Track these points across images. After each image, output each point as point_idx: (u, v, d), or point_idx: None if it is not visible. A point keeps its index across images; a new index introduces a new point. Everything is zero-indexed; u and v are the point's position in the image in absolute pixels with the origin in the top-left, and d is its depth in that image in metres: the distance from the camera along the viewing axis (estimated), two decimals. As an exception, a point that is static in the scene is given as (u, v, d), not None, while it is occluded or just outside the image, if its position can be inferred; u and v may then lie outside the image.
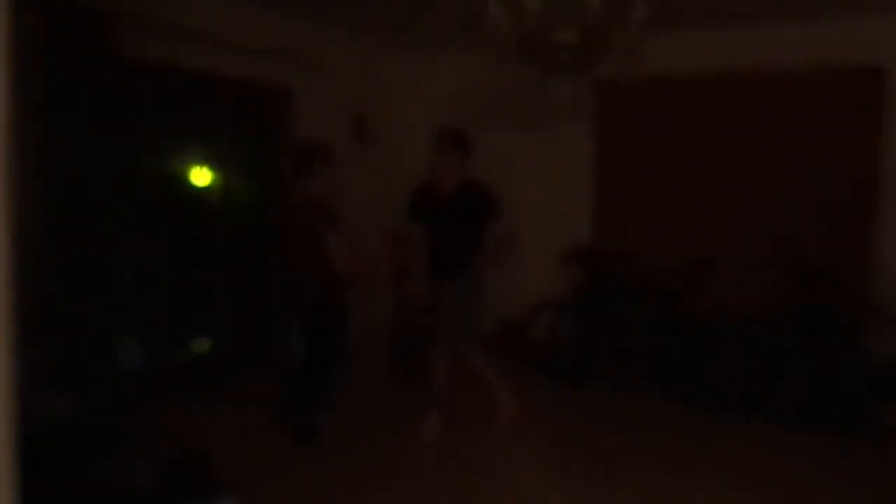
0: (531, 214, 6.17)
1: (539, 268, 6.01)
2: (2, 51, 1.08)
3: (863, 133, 5.07)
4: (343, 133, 6.00)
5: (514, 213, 6.19)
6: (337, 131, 5.80)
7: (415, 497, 3.47)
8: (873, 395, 4.53)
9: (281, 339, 4.10)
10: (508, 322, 6.04)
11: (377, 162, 6.38)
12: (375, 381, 5.63)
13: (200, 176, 5.28)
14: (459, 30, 5.17)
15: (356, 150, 6.14)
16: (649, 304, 5.37)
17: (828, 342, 4.65)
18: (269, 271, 5.42)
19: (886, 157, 5.04)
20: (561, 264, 5.81)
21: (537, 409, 4.91)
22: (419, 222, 4.28)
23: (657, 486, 3.59)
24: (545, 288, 5.80)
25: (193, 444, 3.64)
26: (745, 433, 4.40)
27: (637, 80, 3.01)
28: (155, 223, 4.94)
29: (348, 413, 4.58)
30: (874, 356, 4.64)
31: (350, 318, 4.15)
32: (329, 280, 3.94)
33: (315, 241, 3.89)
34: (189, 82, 5.03)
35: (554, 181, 6.16)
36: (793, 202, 5.30)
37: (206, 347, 5.46)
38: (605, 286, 5.56)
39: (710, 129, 5.58)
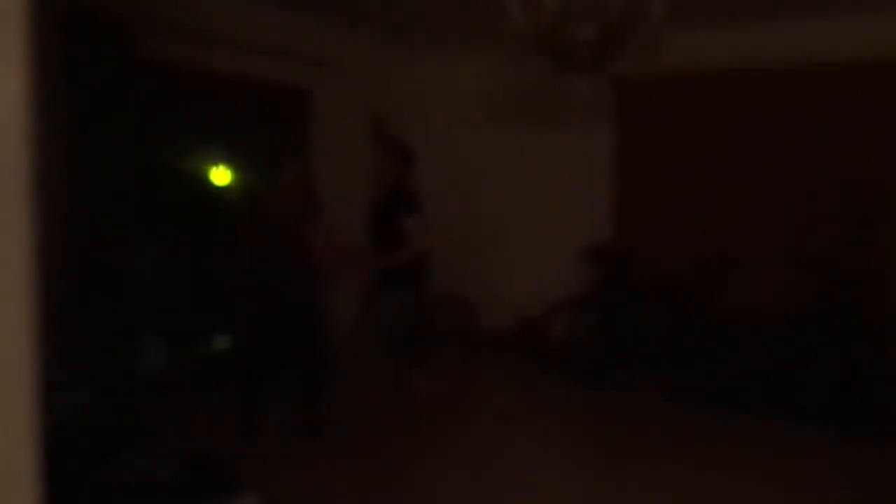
0: (549, 213, 6.15)
1: (558, 266, 5.99)
2: (24, 56, 1.09)
3: (887, 130, 5.00)
4: (362, 133, 6.02)
5: (528, 211, 6.25)
6: (355, 131, 5.82)
7: (431, 492, 3.48)
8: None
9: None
10: (527, 320, 6.03)
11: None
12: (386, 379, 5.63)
13: (220, 175, 5.33)
14: (477, 29, 5.16)
15: (375, 150, 6.14)
16: (668, 303, 5.33)
17: (850, 342, 4.59)
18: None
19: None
20: (580, 263, 5.78)
21: (555, 407, 4.90)
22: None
23: (674, 485, 3.57)
24: (564, 287, 5.78)
25: (213, 441, 3.67)
26: (766, 434, 4.36)
27: (656, 76, 2.98)
28: (175, 222, 4.98)
29: (361, 408, 4.59)
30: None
31: (324, 315, 4.18)
32: (303, 274, 3.99)
33: (293, 232, 3.95)
34: (209, 84, 5.07)
35: (572, 179, 6.13)
36: (814, 200, 5.23)
37: (225, 345, 5.49)
38: (624, 285, 5.53)
39: (730, 126, 5.52)
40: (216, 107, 5.28)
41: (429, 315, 6.35)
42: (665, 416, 4.70)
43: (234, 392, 4.14)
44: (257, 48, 5.11)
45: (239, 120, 5.47)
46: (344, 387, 4.56)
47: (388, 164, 4.25)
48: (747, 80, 5.40)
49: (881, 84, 4.96)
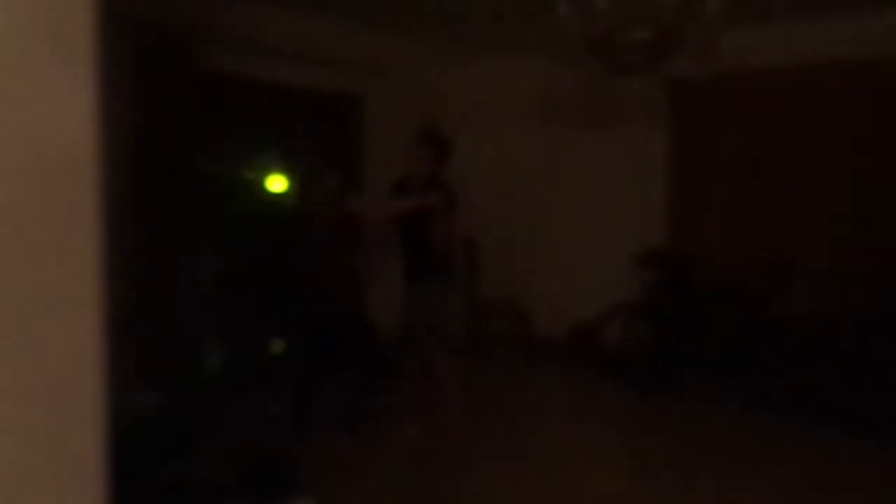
0: (602, 216, 6.08)
1: (611, 270, 5.91)
2: (94, 68, 1.14)
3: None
4: (449, 138, 6.07)
5: (580, 215, 6.19)
6: (406, 136, 5.86)
7: (483, 496, 3.47)
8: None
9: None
10: (580, 326, 5.96)
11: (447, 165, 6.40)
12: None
13: (276, 183, 5.44)
14: (528, 32, 5.15)
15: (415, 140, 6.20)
16: (729, 308, 5.18)
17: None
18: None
19: None
20: (633, 267, 5.69)
21: (610, 415, 4.83)
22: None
23: (732, 498, 3.48)
24: (618, 291, 5.70)
25: (273, 442, 3.74)
26: (832, 446, 4.19)
27: (711, 75, 2.92)
28: (234, 228, 5.11)
29: (412, 407, 4.60)
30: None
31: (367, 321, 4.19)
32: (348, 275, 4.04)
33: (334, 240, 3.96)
34: (265, 93, 5.19)
35: (625, 182, 6.05)
36: (881, 201, 5.03)
37: (281, 349, 5.60)
38: (681, 290, 5.42)
39: (790, 125, 5.36)
40: (272, 115, 5.41)
41: (479, 320, 6.37)
42: (726, 426, 4.58)
43: (291, 394, 4.21)
44: (312, 57, 5.21)
45: (293, 127, 5.59)
46: (395, 385, 4.56)
47: (425, 152, 4.14)
48: (807, 77, 5.24)
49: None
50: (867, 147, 5.07)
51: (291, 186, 5.52)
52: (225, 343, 4.90)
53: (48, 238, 1.12)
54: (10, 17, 1.01)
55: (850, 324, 4.67)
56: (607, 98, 5.50)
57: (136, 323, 3.43)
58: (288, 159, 5.50)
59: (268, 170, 5.40)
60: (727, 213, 5.63)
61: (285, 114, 5.51)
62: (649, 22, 2.84)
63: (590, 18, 2.81)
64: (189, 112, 4.07)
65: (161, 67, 3.82)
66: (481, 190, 6.45)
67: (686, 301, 5.38)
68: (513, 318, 6.33)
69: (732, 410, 4.80)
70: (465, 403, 4.30)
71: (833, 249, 5.17)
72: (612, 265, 5.89)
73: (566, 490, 3.60)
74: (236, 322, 5.14)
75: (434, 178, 4.11)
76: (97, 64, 1.14)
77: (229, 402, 4.32)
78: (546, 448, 4.17)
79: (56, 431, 1.14)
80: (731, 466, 3.86)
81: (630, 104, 5.68)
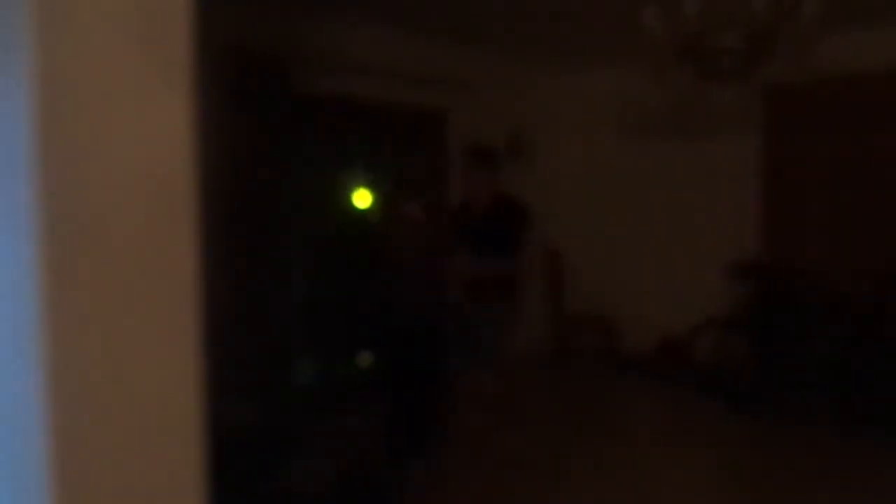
0: (692, 227, 5.90)
1: (701, 283, 5.71)
2: (190, 93, 1.19)
3: None
4: (499, 150, 6.07)
5: (669, 226, 6.02)
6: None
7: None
8: None
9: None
10: (670, 340, 5.78)
11: (533, 178, 6.38)
12: (529, 399, 5.58)
13: (362, 198, 5.55)
14: (612, 43, 5.07)
15: (511, 167, 6.18)
16: (833, 323, 4.88)
17: None
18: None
19: None
20: (725, 279, 5.48)
21: (703, 433, 4.65)
22: (462, 242, 4.15)
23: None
24: (708, 305, 5.49)
25: (362, 455, 3.79)
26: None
27: (808, 80, 2.80)
28: (323, 245, 5.25)
29: (505, 426, 4.57)
30: None
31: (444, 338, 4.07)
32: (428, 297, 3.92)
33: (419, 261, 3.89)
34: (352, 110, 5.32)
35: (715, 192, 5.84)
36: None
37: (369, 362, 5.68)
38: (780, 303, 5.16)
39: (893, 129, 5.04)
40: (358, 131, 5.54)
41: (567, 334, 6.28)
42: (827, 448, 4.32)
43: (383, 410, 4.21)
44: (397, 74, 5.31)
45: (380, 143, 5.70)
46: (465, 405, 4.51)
47: (480, 176, 4.06)
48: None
49: None
50: None
51: (377, 202, 5.62)
52: (316, 357, 5.02)
53: (149, 258, 1.17)
54: (108, 43, 1.07)
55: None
56: (696, 106, 5.34)
57: (231, 337, 3.56)
58: (374, 175, 5.61)
59: (355, 186, 5.52)
60: (827, 221, 5.34)
61: (372, 130, 5.63)
62: (740, 27, 2.74)
63: (677, 25, 2.74)
64: (284, 134, 4.21)
65: (257, 91, 3.97)
66: (569, 202, 6.38)
67: (785, 314, 5.12)
68: (601, 332, 6.20)
69: (835, 432, 4.52)
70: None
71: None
72: (702, 277, 5.69)
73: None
74: (327, 336, 5.26)
75: (498, 200, 4.05)
76: (194, 89, 1.19)
77: (322, 415, 4.41)
78: (635, 468, 4.05)
79: (156, 443, 1.19)
80: (832, 491, 3.64)
81: (719, 111, 5.50)
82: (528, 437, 4.55)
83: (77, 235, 1.04)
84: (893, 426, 4.37)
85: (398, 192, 5.70)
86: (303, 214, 4.86)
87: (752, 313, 5.22)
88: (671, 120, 5.78)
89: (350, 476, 2.75)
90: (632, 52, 3.45)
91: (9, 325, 1.07)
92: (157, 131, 1.15)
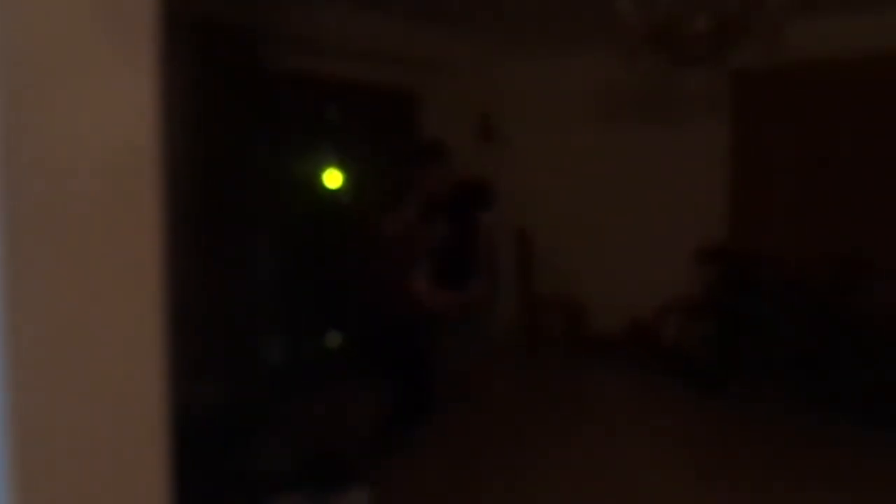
0: (659, 211, 5.96)
1: (669, 267, 5.79)
2: (155, 67, 1.17)
3: None
4: (469, 133, 6.07)
5: (637, 210, 6.08)
6: (463, 131, 5.87)
7: (536, 494, 3.45)
8: None
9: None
10: (638, 323, 5.86)
11: (503, 161, 6.39)
12: (496, 382, 5.63)
13: (332, 178, 5.51)
14: (586, 26, 5.07)
15: (482, 150, 6.18)
16: (795, 307, 5.00)
17: None
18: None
19: None
20: (692, 263, 5.56)
21: (667, 415, 4.73)
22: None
23: (792, 501, 3.37)
24: (676, 288, 5.58)
25: (328, 436, 3.79)
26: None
27: (776, 66, 2.83)
28: (291, 224, 5.20)
29: (475, 408, 4.61)
30: None
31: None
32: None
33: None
34: (321, 89, 5.26)
35: (683, 177, 5.90)
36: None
37: (337, 342, 5.67)
38: (743, 287, 5.26)
39: (860, 117, 5.13)
40: (329, 110, 5.48)
41: (533, 316, 6.33)
42: (789, 429, 4.43)
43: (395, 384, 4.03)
44: (368, 54, 5.25)
45: (350, 123, 5.65)
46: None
47: (434, 172, 3.91)
48: (876, 67, 5.01)
49: None
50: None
51: (347, 182, 5.58)
52: (284, 336, 4.99)
53: (111, 235, 1.15)
54: (67, 16, 1.04)
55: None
56: (666, 91, 5.38)
57: (197, 316, 3.52)
58: (345, 155, 5.56)
59: (325, 166, 5.47)
60: (793, 207, 5.44)
61: (343, 109, 5.58)
62: (711, 11, 2.76)
63: (649, 10, 2.75)
64: (252, 110, 4.15)
65: (224, 66, 3.90)
66: (539, 186, 6.40)
67: (749, 298, 5.22)
68: (568, 314, 6.26)
69: (797, 413, 4.64)
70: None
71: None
72: (670, 261, 5.77)
73: (619, 492, 3.55)
74: (296, 316, 5.23)
75: (461, 187, 4.00)
76: (158, 62, 1.17)
77: (291, 394, 4.39)
78: (600, 448, 4.12)
79: (120, 423, 1.17)
80: (793, 470, 3.74)
81: (689, 97, 5.55)
82: (495, 420, 4.60)
83: (35, 214, 1.02)
84: (853, 407, 4.50)
85: (368, 174, 5.68)
86: (271, 193, 4.80)
87: (717, 297, 5.32)
88: (642, 105, 5.81)
89: (319, 455, 2.75)
90: (604, 37, 3.46)
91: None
92: (120, 106, 1.12)
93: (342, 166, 5.54)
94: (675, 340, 5.46)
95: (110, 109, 1.10)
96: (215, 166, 3.84)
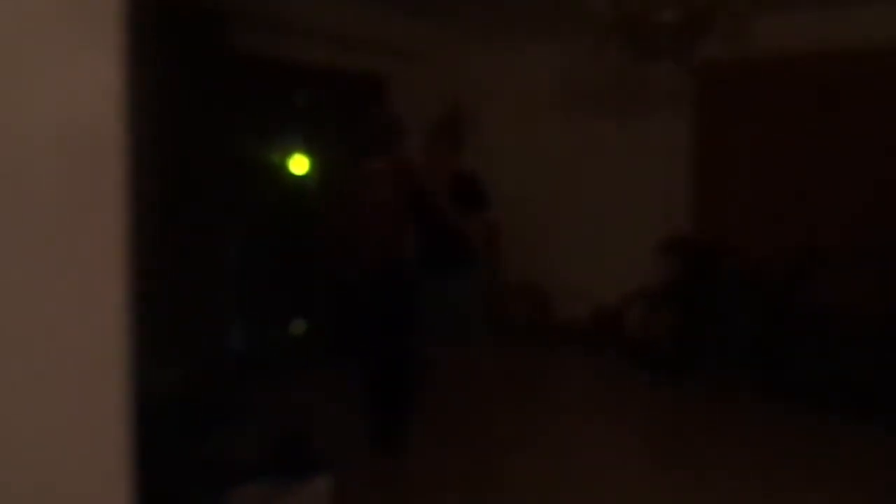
0: (625, 202, 6.03)
1: (633, 257, 5.87)
2: (120, 47, 1.14)
3: None
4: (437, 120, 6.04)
5: (603, 201, 6.14)
6: (431, 118, 5.84)
7: (500, 479, 3.48)
8: None
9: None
10: (602, 312, 5.94)
11: (469, 148, 6.38)
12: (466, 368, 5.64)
13: (298, 164, 5.45)
14: (555, 18, 5.08)
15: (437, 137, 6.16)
16: (753, 296, 5.12)
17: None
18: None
19: None
20: (656, 254, 5.65)
21: (630, 402, 4.81)
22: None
23: (749, 486, 3.45)
24: (640, 278, 5.66)
25: (294, 422, 3.77)
26: (852, 437, 4.15)
27: (739, 61, 2.87)
28: (257, 209, 5.14)
29: (443, 394, 4.62)
30: None
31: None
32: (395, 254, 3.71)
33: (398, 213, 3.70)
34: (288, 73, 5.19)
35: (649, 169, 5.98)
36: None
37: (302, 329, 5.64)
38: (704, 277, 5.36)
39: (820, 111, 5.25)
40: (295, 95, 5.42)
41: (500, 305, 6.36)
42: (746, 415, 4.55)
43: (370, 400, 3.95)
44: (336, 38, 5.20)
45: (317, 109, 5.59)
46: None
47: (442, 149, 4.00)
48: (838, 63, 5.13)
49: None
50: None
51: (314, 168, 5.53)
52: (249, 323, 4.95)
53: (74, 218, 1.13)
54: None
55: (878, 315, 4.60)
56: (632, 84, 5.43)
57: (161, 302, 3.47)
58: (312, 141, 5.51)
59: (291, 150, 5.41)
60: (754, 200, 5.55)
61: (310, 94, 5.52)
62: (678, 4, 2.79)
63: (618, 2, 2.77)
64: (218, 92, 4.07)
65: (191, 48, 3.82)
66: (504, 174, 6.41)
67: (710, 288, 5.32)
68: (534, 303, 6.31)
69: (754, 399, 4.76)
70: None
71: (861, 238, 5.08)
72: (634, 251, 5.84)
73: (582, 477, 3.60)
74: (260, 302, 5.18)
75: (459, 174, 4.01)
76: (124, 42, 1.14)
77: (254, 381, 4.36)
78: (563, 435, 4.17)
79: (81, 409, 1.15)
80: (753, 455, 3.84)
81: (655, 90, 5.61)
82: (459, 406, 4.61)
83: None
84: (809, 393, 4.63)
85: (336, 159, 5.63)
86: (236, 177, 4.74)
87: (679, 287, 5.41)
88: (608, 96, 5.86)
89: (282, 443, 2.74)
90: (573, 27, 3.47)
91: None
92: (84, 87, 1.09)
93: (309, 152, 5.49)
94: (639, 329, 5.54)
95: (76, 89, 1.07)
96: (180, 150, 3.77)
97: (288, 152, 5.39)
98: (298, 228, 5.56)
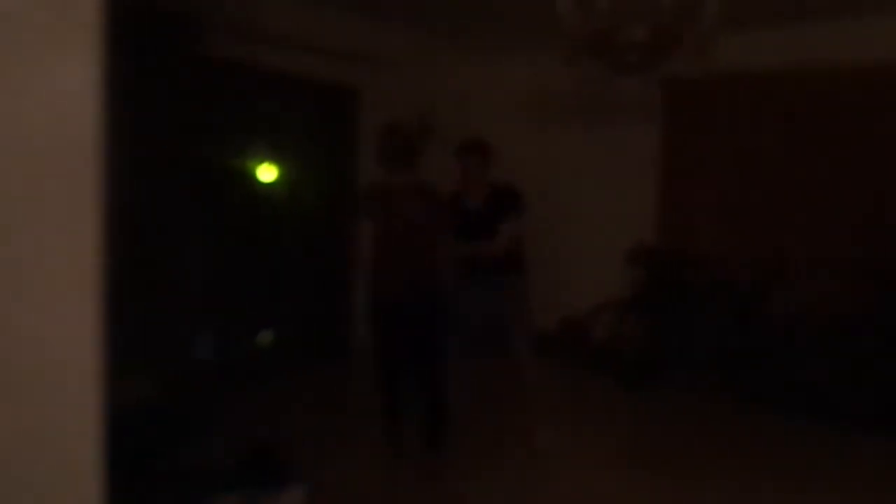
0: (594, 213, 6.10)
1: (602, 266, 5.94)
2: (97, 50, 1.13)
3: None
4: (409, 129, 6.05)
5: (572, 211, 6.20)
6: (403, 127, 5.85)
7: (471, 487, 3.49)
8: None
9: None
10: (570, 321, 5.99)
11: (440, 158, 6.40)
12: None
13: (267, 172, 5.42)
14: (528, 30, 5.15)
15: (423, 147, 6.18)
16: (719, 305, 5.22)
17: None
18: (340, 263, 5.53)
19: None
20: (624, 264, 5.72)
21: (598, 410, 4.86)
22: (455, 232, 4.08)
23: (720, 491, 3.51)
24: (608, 288, 5.72)
25: (265, 432, 3.74)
26: (817, 440, 4.26)
27: (704, 76, 2.95)
28: (227, 218, 5.10)
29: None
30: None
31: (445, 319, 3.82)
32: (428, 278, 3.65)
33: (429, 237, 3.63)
34: (259, 80, 5.17)
35: (617, 180, 6.07)
36: (869, 203, 5.08)
37: (271, 339, 5.60)
38: (671, 287, 5.45)
39: (782, 127, 5.40)
40: (266, 103, 5.39)
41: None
42: (713, 421, 4.63)
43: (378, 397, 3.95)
44: (309, 46, 5.19)
45: (288, 116, 5.57)
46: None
47: (472, 163, 4.15)
48: (801, 80, 5.28)
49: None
50: (857, 149, 5.11)
51: (284, 175, 5.50)
52: (217, 333, 4.89)
53: (47, 225, 1.12)
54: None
55: (839, 322, 4.72)
56: (602, 97, 5.51)
57: (129, 311, 3.41)
58: (281, 149, 5.48)
59: (261, 158, 5.38)
60: (719, 211, 5.67)
61: (280, 102, 5.50)
62: (648, 21, 2.84)
63: (590, 17, 2.82)
64: (183, 97, 4.03)
65: (160, 54, 3.78)
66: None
67: (677, 297, 5.42)
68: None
69: (721, 407, 4.84)
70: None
71: (824, 247, 5.22)
72: (603, 261, 5.91)
73: (553, 485, 3.63)
74: (229, 312, 5.13)
75: (494, 187, 4.19)
76: (100, 45, 1.13)
77: (224, 391, 4.31)
78: (531, 440, 4.19)
79: (53, 419, 1.14)
80: (718, 462, 3.90)
81: (624, 103, 5.70)
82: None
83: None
84: (773, 400, 4.73)
85: (305, 167, 5.61)
86: (205, 185, 4.69)
87: (646, 296, 5.49)
88: (577, 108, 5.94)
89: (253, 454, 2.71)
90: (544, 39, 3.52)
91: None
92: (59, 93, 1.09)
93: (278, 160, 5.46)
94: (606, 338, 5.60)
95: (51, 95, 1.06)
96: (148, 157, 3.72)
97: (257, 160, 5.36)
98: (267, 236, 5.53)
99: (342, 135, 5.85)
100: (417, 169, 3.76)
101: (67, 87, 1.09)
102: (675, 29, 2.89)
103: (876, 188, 5.06)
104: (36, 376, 1.11)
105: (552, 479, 3.70)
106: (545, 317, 6.15)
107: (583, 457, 4.08)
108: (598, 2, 2.74)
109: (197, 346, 4.31)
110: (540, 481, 3.66)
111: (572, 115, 6.06)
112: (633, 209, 5.99)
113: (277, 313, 5.63)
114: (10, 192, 1.03)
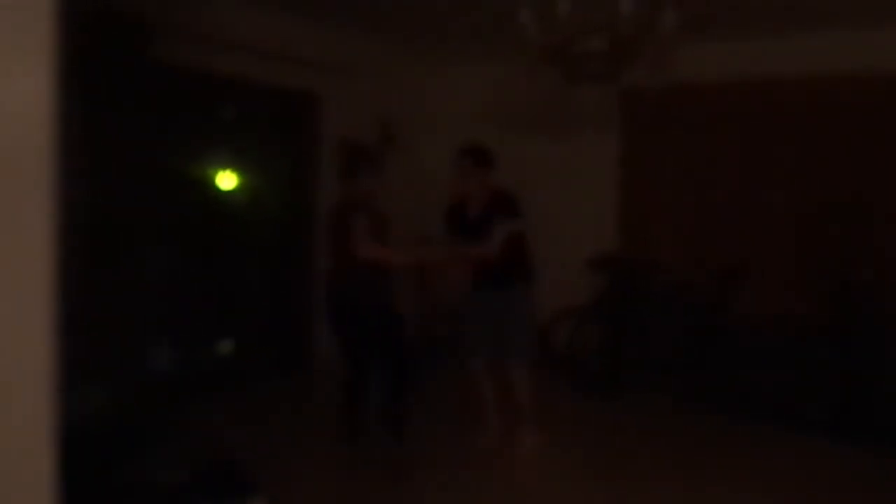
0: (555, 221, 6.16)
1: (563, 274, 5.98)
2: (52, 57, 1.12)
3: (893, 142, 5.02)
4: (370, 138, 6.05)
5: (538, 220, 6.24)
6: (364, 136, 5.84)
7: (438, 498, 3.49)
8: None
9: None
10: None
11: (404, 167, 6.42)
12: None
13: (227, 179, 5.35)
14: (489, 39, 5.19)
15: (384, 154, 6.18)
16: (679, 313, 5.31)
17: (864, 356, 4.57)
18: (300, 273, 5.50)
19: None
20: (585, 272, 5.78)
21: (560, 416, 4.89)
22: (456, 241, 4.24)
23: (682, 497, 3.56)
24: (570, 295, 5.77)
25: (223, 444, 3.68)
26: (777, 445, 4.34)
27: (662, 87, 3.01)
28: (184, 226, 5.01)
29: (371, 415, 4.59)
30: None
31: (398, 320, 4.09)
32: (370, 279, 3.87)
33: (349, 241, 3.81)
34: (218, 87, 5.11)
35: (578, 188, 6.14)
36: (822, 211, 5.24)
37: (230, 349, 5.52)
38: (632, 294, 5.53)
39: (738, 137, 5.54)
40: (226, 110, 5.33)
41: (429, 322, 6.38)
42: (672, 426, 4.69)
43: (339, 397, 4.12)
44: (269, 53, 5.14)
45: (249, 124, 5.52)
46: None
47: (468, 169, 4.13)
48: (755, 91, 5.43)
49: (889, 97, 4.98)
50: (811, 158, 5.27)
51: (244, 183, 5.44)
52: (173, 343, 4.80)
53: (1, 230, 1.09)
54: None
55: (795, 328, 4.85)
56: (562, 106, 5.58)
57: (83, 320, 3.33)
58: (240, 156, 5.42)
59: (221, 166, 5.31)
60: (678, 219, 5.78)
61: (240, 109, 5.44)
62: (607, 32, 2.90)
63: (550, 27, 2.85)
64: (139, 104, 3.97)
65: (112, 56, 3.71)
66: (437, 190, 6.45)
67: (636, 304, 5.50)
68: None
69: (681, 413, 4.91)
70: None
71: (780, 256, 5.36)
72: (564, 269, 5.96)
73: (511, 491, 3.64)
74: (187, 321, 5.04)
75: (492, 194, 4.13)
76: (55, 52, 1.11)
77: (181, 402, 4.23)
78: (492, 447, 4.21)
79: (5, 430, 1.11)
80: (679, 467, 3.96)
81: (584, 113, 5.78)
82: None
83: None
84: (731, 404, 4.82)
85: (266, 175, 5.55)
86: (162, 193, 4.61)
87: (607, 304, 5.55)
88: (539, 117, 6.00)
89: (209, 464, 2.67)
90: (505, 49, 3.55)
91: None
92: (13, 99, 1.06)
93: (237, 168, 5.39)
94: (567, 345, 5.65)
95: (3, 99, 1.04)
96: (103, 165, 3.65)
97: (216, 167, 5.29)
98: (227, 245, 5.45)
99: (303, 142, 5.82)
100: (377, 178, 4.01)
101: (20, 90, 1.07)
102: (634, 40, 2.94)
103: (821, 199, 5.22)
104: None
105: (512, 485, 3.72)
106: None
107: (542, 463, 4.11)
108: (559, 13, 2.78)
109: (154, 355, 4.23)
110: (500, 488, 3.67)
111: (532, 125, 6.12)
112: (594, 217, 6.06)
113: (236, 323, 5.56)
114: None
